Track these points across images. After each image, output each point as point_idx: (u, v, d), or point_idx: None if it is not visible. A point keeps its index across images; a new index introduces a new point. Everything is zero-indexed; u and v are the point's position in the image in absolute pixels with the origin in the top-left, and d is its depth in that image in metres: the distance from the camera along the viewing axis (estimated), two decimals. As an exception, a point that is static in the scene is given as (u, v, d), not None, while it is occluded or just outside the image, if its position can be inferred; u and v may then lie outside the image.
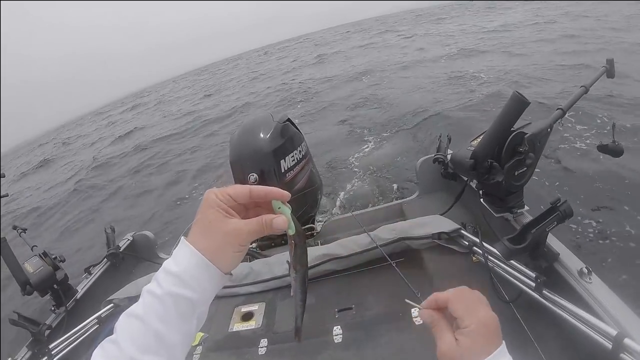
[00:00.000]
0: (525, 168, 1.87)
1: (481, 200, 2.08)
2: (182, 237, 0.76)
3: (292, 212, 0.79)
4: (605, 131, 5.87)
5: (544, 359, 1.58)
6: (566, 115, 1.98)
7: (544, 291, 1.61)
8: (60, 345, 2.15)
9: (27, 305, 3.05)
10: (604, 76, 2.12)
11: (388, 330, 1.86)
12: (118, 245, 3.14)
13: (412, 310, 1.90)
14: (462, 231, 2.14)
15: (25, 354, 2.09)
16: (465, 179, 2.38)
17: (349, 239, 2.34)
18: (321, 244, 2.64)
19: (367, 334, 1.87)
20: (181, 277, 0.70)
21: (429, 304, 0.81)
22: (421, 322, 1.85)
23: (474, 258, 2.06)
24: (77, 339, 2.22)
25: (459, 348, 0.72)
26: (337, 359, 1.79)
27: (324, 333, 1.92)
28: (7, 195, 2.33)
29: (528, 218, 1.96)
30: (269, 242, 2.99)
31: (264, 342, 1.96)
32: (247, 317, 2.14)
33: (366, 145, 8.60)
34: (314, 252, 2.30)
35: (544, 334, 1.65)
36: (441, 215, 2.37)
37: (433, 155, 2.76)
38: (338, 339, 1.87)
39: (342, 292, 2.18)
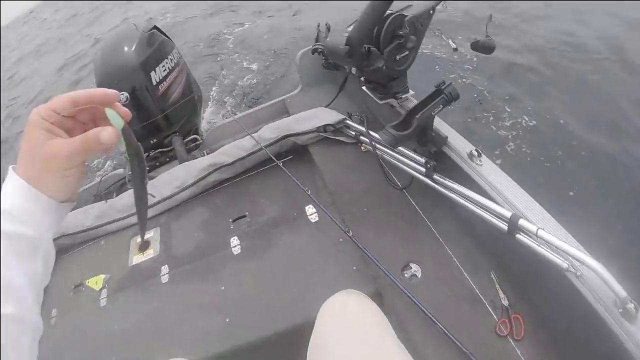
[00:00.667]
0: (407, 52, 1.79)
1: (363, 88, 2.02)
2: (10, 167, 0.66)
3: (126, 125, 0.68)
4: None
5: (442, 241, 1.61)
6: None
7: (434, 176, 1.61)
8: None
9: None
10: None
11: (284, 233, 1.87)
12: None
13: (306, 207, 1.92)
14: (348, 121, 2.12)
15: None
16: (347, 67, 2.29)
17: (233, 144, 2.28)
18: (208, 154, 2.53)
19: (264, 240, 1.87)
20: (11, 213, 0.62)
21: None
22: (317, 219, 1.87)
23: (362, 147, 2.06)
24: None
25: None
26: (239, 270, 1.79)
27: (222, 246, 1.91)
28: None
29: (414, 103, 1.91)
30: (153, 163, 2.86)
31: (165, 269, 1.91)
32: (144, 246, 2.07)
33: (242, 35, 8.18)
34: (199, 164, 2.24)
35: (440, 218, 1.67)
36: (325, 107, 2.33)
37: (312, 46, 2.64)
38: (236, 250, 1.86)
39: (234, 200, 2.15)
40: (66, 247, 2.31)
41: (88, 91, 0.66)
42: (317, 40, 2.58)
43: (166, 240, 2.06)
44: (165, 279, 1.87)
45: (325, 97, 2.53)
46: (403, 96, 1.95)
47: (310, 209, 1.91)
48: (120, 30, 2.82)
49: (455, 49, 2.03)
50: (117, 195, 2.52)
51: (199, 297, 1.76)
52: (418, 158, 1.69)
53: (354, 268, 1.63)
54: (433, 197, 1.66)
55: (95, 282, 2.00)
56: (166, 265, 1.92)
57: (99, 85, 2.55)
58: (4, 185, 0.65)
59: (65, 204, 0.70)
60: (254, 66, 6.55)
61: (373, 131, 1.92)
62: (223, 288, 1.73)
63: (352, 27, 1.85)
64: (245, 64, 6.74)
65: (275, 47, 6.90)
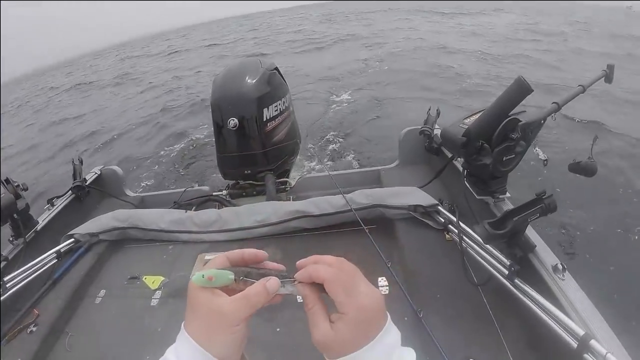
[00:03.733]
0: (514, 155, 1.85)
1: (464, 180, 2.06)
2: (182, 325, 0.68)
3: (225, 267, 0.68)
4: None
5: (506, 346, 1.59)
6: (560, 111, 1.95)
7: (515, 280, 1.61)
8: (16, 279, 2.09)
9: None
10: (602, 80, 2.11)
11: None
12: (84, 178, 3.06)
13: (379, 279, 1.89)
14: (439, 207, 2.14)
15: None
16: (450, 155, 2.36)
17: (323, 198, 2.33)
18: (293, 199, 2.60)
19: None
20: None
21: (303, 277, 0.71)
22: (387, 292, 1.84)
23: (447, 236, 2.06)
24: (35, 272, 2.17)
25: (335, 337, 0.66)
26: (298, 318, 1.76)
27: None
28: None
29: (508, 205, 1.96)
30: (240, 191, 2.96)
31: None
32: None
33: (346, 104, 8.49)
34: (286, 208, 2.29)
35: (509, 322, 1.66)
36: (419, 187, 2.35)
37: (420, 127, 2.74)
38: (300, 297, 1.83)
39: (310, 250, 2.12)
40: (134, 239, 2.42)
41: (240, 251, 0.71)
42: (425, 122, 2.68)
43: None
44: None
45: (420, 178, 2.59)
46: (500, 196, 1.99)
47: (382, 281, 1.90)
48: (247, 62, 3.00)
49: (546, 162, 2.05)
50: (196, 209, 2.62)
51: (252, 332, 1.75)
52: (503, 259, 1.69)
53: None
54: (507, 300, 1.65)
55: (152, 282, 2.08)
56: None
57: (213, 103, 2.72)
58: (178, 342, 0.67)
59: None
60: (354, 137, 6.79)
61: (461, 222, 1.95)
62: (278, 330, 1.75)
63: (469, 119, 1.93)
64: (346, 132, 7.02)
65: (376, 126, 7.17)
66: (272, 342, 1.71)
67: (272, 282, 0.68)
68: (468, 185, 2.05)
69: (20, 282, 2.09)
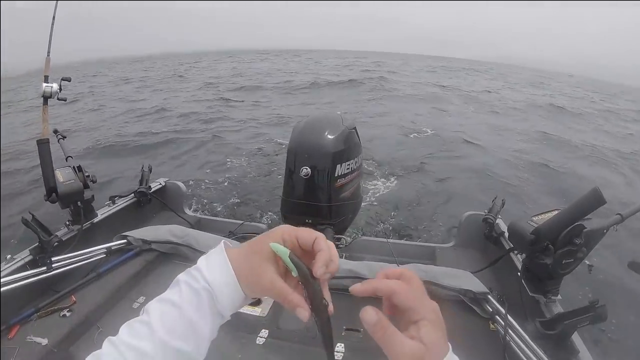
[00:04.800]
0: (573, 260, 1.88)
1: (522, 275, 2.08)
2: (223, 243, 0.77)
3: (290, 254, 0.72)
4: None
5: None
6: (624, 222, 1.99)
7: None
8: (62, 262, 2.18)
9: (40, 208, 3.09)
10: None
11: None
12: (149, 186, 3.20)
13: None
14: (489, 296, 2.14)
15: (26, 257, 2.12)
16: (507, 247, 2.40)
17: (378, 263, 2.36)
18: (346, 258, 2.65)
19: None
20: (212, 285, 0.71)
21: (365, 290, 0.74)
22: None
23: (491, 326, 2.06)
24: (81, 261, 2.26)
25: (427, 347, 0.63)
26: None
27: None
28: (65, 100, 2.36)
29: (558, 306, 1.98)
30: None
31: (264, 332, 1.97)
32: (256, 302, 2.14)
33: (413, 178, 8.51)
34: (340, 265, 2.27)
35: None
36: (472, 273, 2.36)
37: (483, 213, 2.79)
38: (338, 355, 1.87)
39: (355, 312, 2.14)
40: (184, 256, 2.48)
41: (295, 232, 0.75)
42: (490, 211, 2.74)
43: (277, 309, 2.12)
44: (260, 341, 1.92)
45: (473, 262, 2.63)
46: (552, 297, 2.01)
47: None
48: (329, 115, 3.13)
49: (590, 269, 2.07)
50: None
51: None
52: (545, 358, 1.69)
53: None
54: None
55: None
56: (267, 331, 1.98)
57: (290, 148, 2.83)
58: (211, 256, 0.75)
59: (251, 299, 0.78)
60: (414, 208, 6.79)
61: (509, 315, 1.95)
62: None
63: (538, 217, 1.99)
64: (406, 204, 7.00)
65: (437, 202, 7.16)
66: None
67: (302, 315, 0.71)
68: (523, 281, 2.07)
69: (66, 266, 2.18)
